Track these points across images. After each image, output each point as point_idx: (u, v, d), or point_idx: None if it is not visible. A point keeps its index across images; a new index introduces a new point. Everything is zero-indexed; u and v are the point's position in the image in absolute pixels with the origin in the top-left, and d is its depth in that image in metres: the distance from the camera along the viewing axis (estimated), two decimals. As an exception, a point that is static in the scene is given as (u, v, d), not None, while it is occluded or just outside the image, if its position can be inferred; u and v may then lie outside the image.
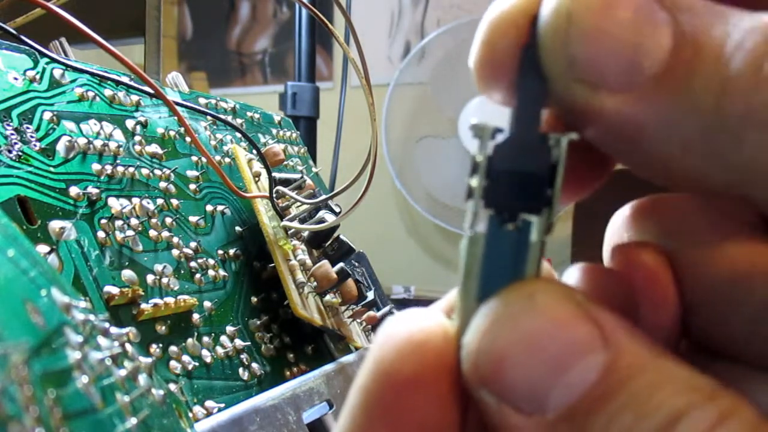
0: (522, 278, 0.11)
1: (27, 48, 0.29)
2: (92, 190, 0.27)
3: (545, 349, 0.10)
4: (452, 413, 0.11)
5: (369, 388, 0.11)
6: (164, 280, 0.28)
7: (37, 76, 0.28)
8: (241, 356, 0.30)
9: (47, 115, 0.27)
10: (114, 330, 0.17)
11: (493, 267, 0.11)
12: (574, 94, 0.11)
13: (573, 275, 0.13)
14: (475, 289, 0.11)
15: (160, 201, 0.30)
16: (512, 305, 0.11)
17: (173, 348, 0.27)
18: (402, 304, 1.35)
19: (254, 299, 0.33)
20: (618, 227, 0.14)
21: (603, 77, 0.11)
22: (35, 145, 0.26)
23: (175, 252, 0.30)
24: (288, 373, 0.33)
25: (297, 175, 0.39)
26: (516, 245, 0.11)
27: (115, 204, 0.28)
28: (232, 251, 0.33)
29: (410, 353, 0.11)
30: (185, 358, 0.27)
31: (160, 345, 0.26)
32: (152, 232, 0.29)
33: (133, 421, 0.16)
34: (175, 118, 0.34)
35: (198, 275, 0.30)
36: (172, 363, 0.26)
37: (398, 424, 0.11)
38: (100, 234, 0.26)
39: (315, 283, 0.34)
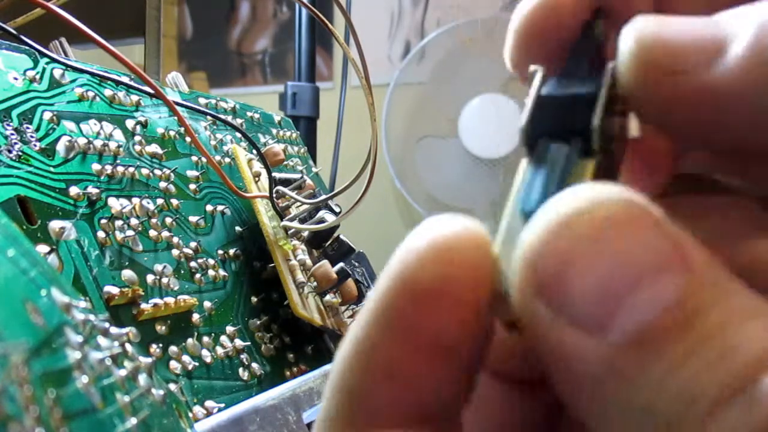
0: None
1: (27, 48, 0.29)
2: (92, 190, 0.27)
3: (622, 257, 0.09)
4: (474, 335, 0.10)
5: (385, 295, 0.10)
6: (164, 280, 0.28)
7: (37, 76, 0.28)
8: (241, 356, 0.30)
9: (47, 115, 0.27)
10: (114, 330, 0.17)
11: (540, 185, 0.11)
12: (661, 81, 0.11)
13: None
14: (519, 204, 0.11)
15: (160, 201, 0.30)
16: (589, 204, 0.09)
17: (173, 348, 0.27)
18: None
19: (254, 299, 0.33)
20: None
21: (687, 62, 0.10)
22: (35, 145, 0.26)
23: (175, 252, 0.30)
24: (288, 373, 0.33)
25: (297, 175, 0.39)
26: (564, 166, 0.11)
27: (115, 204, 0.28)
28: (232, 251, 0.33)
29: (434, 261, 0.10)
30: (185, 358, 0.27)
31: (160, 345, 0.26)
32: (152, 232, 0.29)
33: (133, 421, 0.16)
34: (175, 118, 0.34)
35: (198, 275, 0.30)
36: (172, 363, 0.26)
37: (412, 339, 0.10)
38: (100, 234, 0.26)
39: (315, 283, 0.34)
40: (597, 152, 0.11)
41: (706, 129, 0.11)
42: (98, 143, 0.29)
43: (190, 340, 0.28)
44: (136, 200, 0.29)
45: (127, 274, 0.26)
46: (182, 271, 0.30)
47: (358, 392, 0.10)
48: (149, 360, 0.19)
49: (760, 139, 0.10)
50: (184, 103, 0.36)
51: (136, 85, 0.32)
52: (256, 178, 0.37)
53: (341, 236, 0.38)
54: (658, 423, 0.08)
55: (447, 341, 0.10)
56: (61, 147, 0.27)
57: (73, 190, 0.26)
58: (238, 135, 0.39)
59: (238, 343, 0.30)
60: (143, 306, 0.26)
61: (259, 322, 0.33)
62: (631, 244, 0.09)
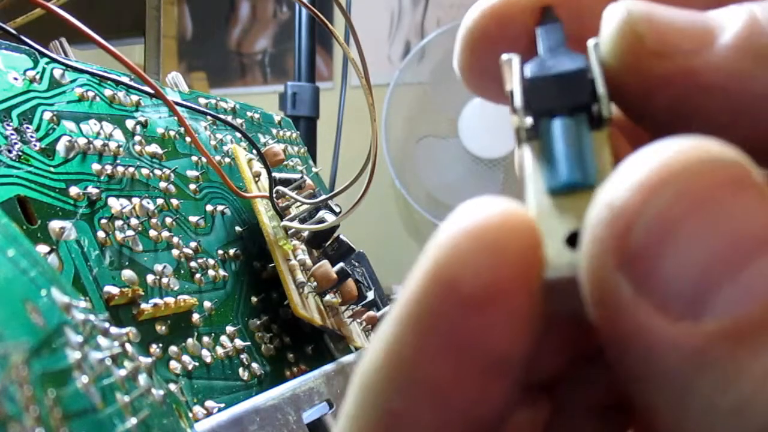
0: (592, 169, 0.10)
1: (27, 48, 0.29)
2: (92, 190, 0.27)
3: (731, 229, 0.07)
4: (530, 341, 0.08)
5: (424, 300, 0.08)
6: (164, 280, 0.28)
7: (37, 76, 0.28)
8: (241, 356, 0.30)
9: (47, 115, 0.27)
10: (114, 330, 0.17)
11: (564, 160, 0.10)
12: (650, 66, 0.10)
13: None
14: (546, 183, 0.10)
15: (160, 201, 0.30)
16: (700, 157, 0.07)
17: (173, 348, 0.27)
18: (402, 304, 1.35)
19: (254, 299, 0.33)
20: None
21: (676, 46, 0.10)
22: (35, 145, 0.26)
23: (175, 252, 0.30)
24: (288, 373, 0.33)
25: (297, 175, 0.39)
26: (582, 136, 0.10)
27: (115, 204, 0.28)
28: (232, 251, 0.33)
29: (480, 257, 0.08)
30: (185, 358, 0.27)
31: (160, 345, 0.26)
32: (152, 232, 0.29)
33: (133, 421, 0.16)
34: (175, 118, 0.34)
35: (198, 275, 0.30)
36: (172, 363, 0.26)
37: (459, 351, 0.08)
38: (100, 234, 0.26)
39: (315, 283, 0.34)
40: (608, 121, 0.10)
41: (685, 115, 0.10)
42: (98, 143, 0.29)
43: (190, 340, 0.28)
44: (136, 200, 0.29)
45: (127, 274, 0.26)
46: (182, 271, 0.30)
47: (392, 412, 0.09)
48: (149, 360, 0.19)
49: (741, 127, 0.10)
50: (184, 103, 0.36)
51: (136, 85, 0.32)
52: (256, 178, 0.37)
53: (341, 236, 0.38)
54: (751, 429, 0.07)
55: (500, 352, 0.08)
56: (61, 147, 0.27)
57: (73, 190, 0.26)
58: (238, 135, 0.39)
59: (238, 343, 0.30)
60: (143, 306, 0.26)
61: (259, 322, 0.33)
62: (740, 214, 0.07)
